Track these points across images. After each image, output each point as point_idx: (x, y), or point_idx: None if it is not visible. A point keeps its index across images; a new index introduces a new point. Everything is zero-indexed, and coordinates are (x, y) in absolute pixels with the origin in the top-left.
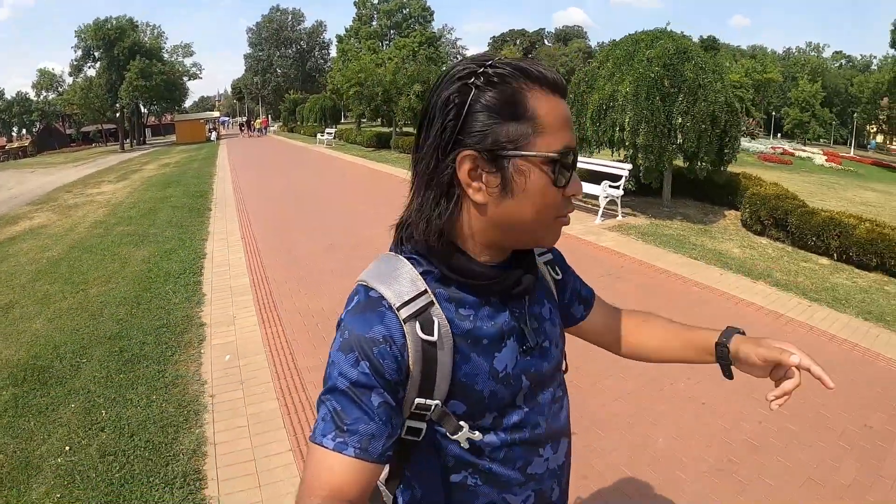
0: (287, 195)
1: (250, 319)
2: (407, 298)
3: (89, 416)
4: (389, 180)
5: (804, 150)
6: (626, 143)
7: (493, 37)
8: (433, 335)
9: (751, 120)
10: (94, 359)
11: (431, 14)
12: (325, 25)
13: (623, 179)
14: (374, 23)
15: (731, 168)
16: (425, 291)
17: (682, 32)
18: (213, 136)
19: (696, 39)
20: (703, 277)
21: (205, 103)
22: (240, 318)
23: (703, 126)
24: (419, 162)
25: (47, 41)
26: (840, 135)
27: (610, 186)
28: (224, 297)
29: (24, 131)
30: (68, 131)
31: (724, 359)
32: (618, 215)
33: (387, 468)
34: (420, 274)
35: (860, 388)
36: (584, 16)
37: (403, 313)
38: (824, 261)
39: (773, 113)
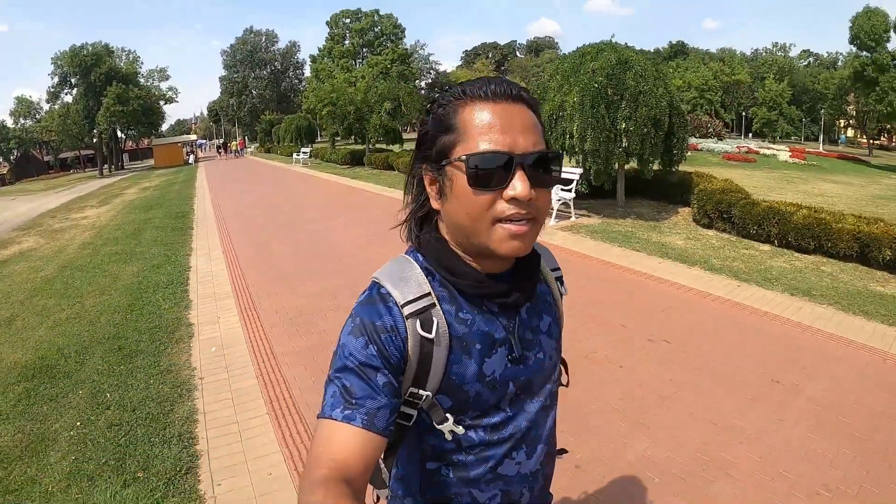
0: (263, 212)
1: (233, 319)
2: (411, 298)
3: (95, 399)
4: (360, 195)
5: (769, 148)
6: (576, 150)
7: (466, 51)
8: (431, 333)
9: (717, 121)
10: (96, 356)
11: (403, 31)
12: (299, 45)
13: (574, 183)
14: (346, 42)
15: (693, 168)
16: (429, 294)
17: (625, 44)
18: (191, 159)
19: (665, 45)
20: (643, 266)
21: (181, 126)
22: (223, 318)
23: (646, 129)
24: (408, 174)
25: (21, 67)
26: (811, 131)
27: (562, 190)
28: (209, 302)
29: (1, 159)
30: (46, 158)
31: None
32: (571, 216)
33: (384, 455)
34: (426, 275)
35: (775, 353)
36: (557, 26)
37: (406, 310)
38: (765, 247)
39: (743, 113)
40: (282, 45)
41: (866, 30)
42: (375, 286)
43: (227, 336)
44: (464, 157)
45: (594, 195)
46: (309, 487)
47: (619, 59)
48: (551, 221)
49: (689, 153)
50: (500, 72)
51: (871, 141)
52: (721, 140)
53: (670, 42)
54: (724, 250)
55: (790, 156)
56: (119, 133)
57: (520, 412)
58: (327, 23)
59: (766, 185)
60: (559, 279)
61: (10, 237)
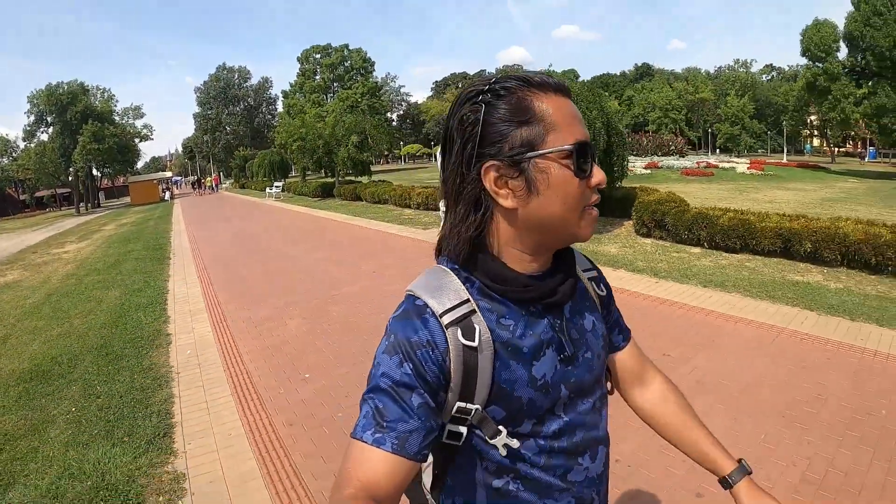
0: (235, 243)
1: (205, 328)
2: (449, 306)
3: (87, 391)
4: (326, 224)
5: (729, 162)
6: None
7: (436, 81)
8: (474, 341)
9: (680, 139)
10: (87, 361)
11: (372, 65)
12: (272, 81)
13: None
14: (317, 77)
15: (653, 184)
16: (468, 300)
17: (572, 69)
18: (167, 195)
19: (631, 67)
20: None
21: (157, 164)
22: (197, 329)
23: None
24: (446, 182)
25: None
26: (778, 143)
27: None
28: (185, 317)
29: None
30: (22, 197)
31: (724, 487)
32: None
33: (431, 475)
34: (462, 282)
35: (672, 332)
36: (527, 53)
37: (445, 319)
38: (696, 250)
39: (709, 130)
40: (254, 81)
41: (816, 41)
42: (410, 298)
43: (201, 341)
44: (569, 147)
45: None
46: None
47: None
48: None
49: (649, 171)
50: None
51: (837, 149)
52: (683, 157)
53: (636, 64)
54: (655, 255)
55: (748, 168)
56: (95, 171)
57: (575, 416)
58: (298, 59)
59: (719, 196)
60: (593, 280)
61: None
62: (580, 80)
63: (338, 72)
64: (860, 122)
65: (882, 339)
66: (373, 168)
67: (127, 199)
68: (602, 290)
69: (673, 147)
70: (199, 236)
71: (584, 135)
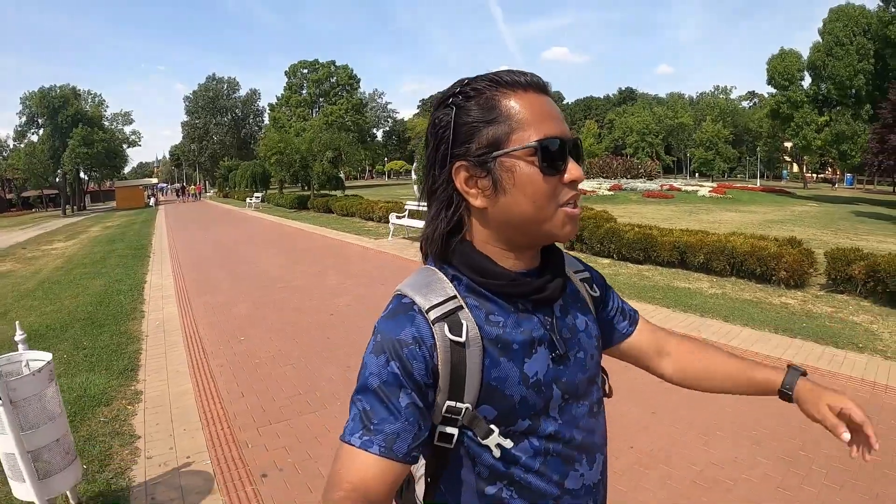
0: (209, 245)
1: (173, 308)
2: (436, 302)
3: (76, 345)
4: (295, 233)
5: (693, 185)
6: None
7: (423, 99)
8: (461, 336)
9: (650, 163)
10: (76, 327)
11: (358, 82)
12: (259, 93)
13: None
14: (303, 91)
15: (612, 205)
16: (455, 297)
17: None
18: (152, 201)
19: (615, 91)
20: None
21: (143, 169)
22: (166, 308)
23: None
24: (423, 182)
25: None
26: (757, 169)
27: None
28: (157, 299)
29: None
30: (8, 196)
31: (786, 400)
32: None
33: (423, 484)
34: (451, 281)
35: None
36: None
37: (432, 315)
38: (605, 261)
39: (687, 154)
40: (243, 92)
41: (780, 70)
42: (398, 297)
43: (168, 317)
44: (533, 144)
45: None
46: None
47: None
48: None
49: (612, 192)
50: None
51: (815, 175)
52: (651, 180)
53: (619, 89)
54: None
55: (710, 191)
56: (82, 174)
57: (570, 419)
58: (286, 72)
59: (668, 216)
60: (586, 280)
61: None
62: (563, 102)
63: (324, 87)
64: (821, 148)
65: (742, 334)
66: (356, 183)
67: (112, 204)
68: (595, 291)
69: (642, 170)
70: (178, 240)
71: (557, 130)
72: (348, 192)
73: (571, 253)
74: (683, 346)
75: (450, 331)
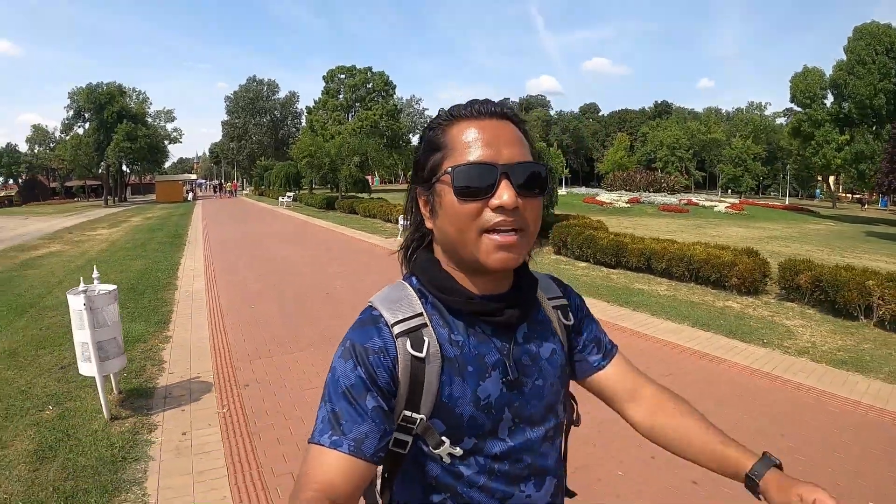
0: (238, 236)
1: (201, 284)
2: (402, 317)
3: (121, 305)
4: (318, 230)
5: (711, 200)
6: None
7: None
8: (421, 352)
9: (672, 177)
10: (121, 293)
11: (394, 88)
12: (298, 96)
13: None
14: (340, 96)
15: (627, 217)
16: (421, 314)
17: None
18: (190, 196)
19: (651, 104)
20: None
21: (183, 165)
22: (195, 284)
23: None
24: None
25: (24, 91)
26: (793, 187)
27: None
28: (188, 278)
29: (10, 181)
30: (52, 184)
31: (752, 489)
32: None
33: (380, 479)
34: (419, 298)
35: None
36: (556, 83)
37: (397, 329)
38: (583, 264)
39: (715, 170)
40: (282, 94)
41: (801, 88)
42: (368, 309)
43: (196, 290)
44: (449, 170)
45: None
46: None
47: None
48: None
49: (629, 205)
50: None
51: (850, 195)
52: (672, 194)
53: (655, 102)
54: (548, 268)
55: (727, 207)
56: (125, 167)
57: (521, 442)
58: (324, 77)
59: (674, 229)
60: (560, 308)
61: (38, 243)
62: (600, 114)
63: (360, 92)
64: (840, 167)
65: (682, 332)
66: (388, 187)
67: (151, 196)
68: (570, 320)
69: (665, 184)
70: (212, 231)
71: (479, 157)
72: (379, 195)
73: (553, 257)
74: (660, 397)
75: (412, 346)
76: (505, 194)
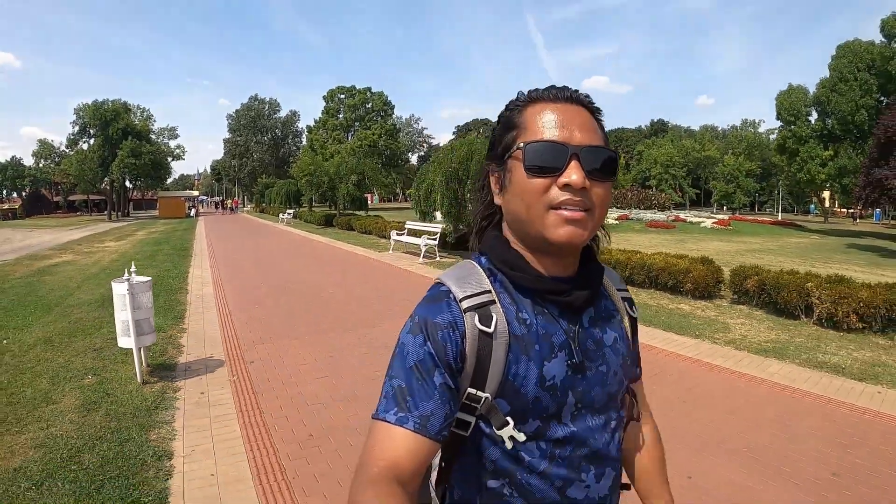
0: (241, 249)
1: (209, 289)
2: (470, 293)
3: None
4: (317, 245)
5: (698, 217)
6: (440, 212)
7: (458, 125)
8: (490, 327)
9: (663, 195)
10: None
11: (392, 108)
12: (299, 115)
13: (438, 235)
14: (340, 115)
15: (615, 233)
16: (489, 291)
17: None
18: (193, 212)
19: (648, 122)
20: None
21: (185, 181)
22: (205, 289)
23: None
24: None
25: (27, 104)
26: (788, 202)
27: (429, 239)
28: (198, 284)
29: (14, 194)
30: (55, 198)
31: None
32: (435, 257)
33: (437, 469)
34: (487, 276)
35: None
36: None
37: (465, 304)
38: None
39: (708, 186)
40: (283, 113)
41: (786, 106)
42: (437, 285)
43: (206, 294)
44: (521, 145)
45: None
46: (360, 487)
47: (468, 151)
48: (420, 259)
49: (618, 221)
50: None
51: (846, 210)
52: (662, 211)
53: (652, 120)
54: None
55: (714, 223)
56: (128, 183)
57: (583, 429)
58: (324, 97)
59: (656, 243)
60: (627, 300)
61: (49, 253)
62: None
63: (359, 112)
64: (825, 182)
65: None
66: (386, 205)
67: (154, 212)
68: (635, 314)
69: (655, 201)
70: (216, 244)
71: (553, 136)
72: (378, 213)
73: None
74: (653, 438)
75: (480, 321)
76: (574, 174)
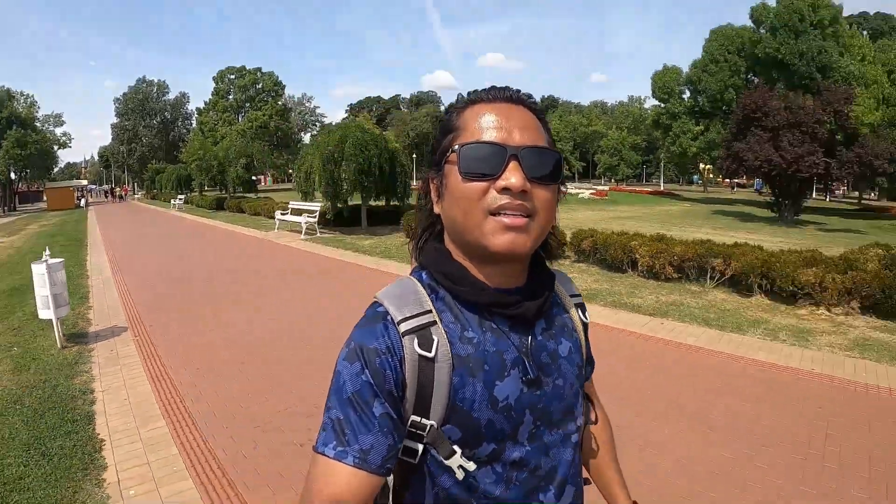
0: (136, 237)
1: (108, 273)
2: (409, 314)
3: None
4: (207, 228)
5: (578, 189)
6: (318, 191)
7: (351, 104)
8: (430, 352)
9: None
10: None
11: (283, 88)
12: (189, 96)
13: (317, 213)
14: (230, 97)
15: None
16: (430, 311)
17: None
18: (83, 202)
19: (538, 98)
20: (337, 255)
21: (71, 170)
22: (104, 273)
23: (357, 177)
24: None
25: None
26: (674, 174)
27: (309, 217)
28: (96, 270)
29: None
30: None
31: None
32: (315, 233)
33: (392, 495)
34: (428, 294)
35: (360, 286)
36: (451, 78)
37: (403, 327)
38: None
39: (594, 159)
40: (172, 95)
41: (661, 85)
42: (374, 305)
43: (105, 278)
44: (455, 148)
45: (349, 223)
46: None
47: (342, 135)
48: (302, 236)
49: None
50: (380, 125)
51: (729, 180)
52: None
53: (542, 97)
54: (397, 248)
55: (591, 194)
56: (12, 175)
57: (540, 447)
58: (214, 78)
59: None
60: (580, 306)
61: None
62: None
63: (249, 93)
64: (696, 155)
65: None
66: (281, 186)
67: (42, 205)
68: (586, 318)
69: None
70: (110, 233)
71: (490, 137)
72: (267, 194)
73: (402, 240)
74: (601, 424)
75: (419, 345)
76: (513, 177)
